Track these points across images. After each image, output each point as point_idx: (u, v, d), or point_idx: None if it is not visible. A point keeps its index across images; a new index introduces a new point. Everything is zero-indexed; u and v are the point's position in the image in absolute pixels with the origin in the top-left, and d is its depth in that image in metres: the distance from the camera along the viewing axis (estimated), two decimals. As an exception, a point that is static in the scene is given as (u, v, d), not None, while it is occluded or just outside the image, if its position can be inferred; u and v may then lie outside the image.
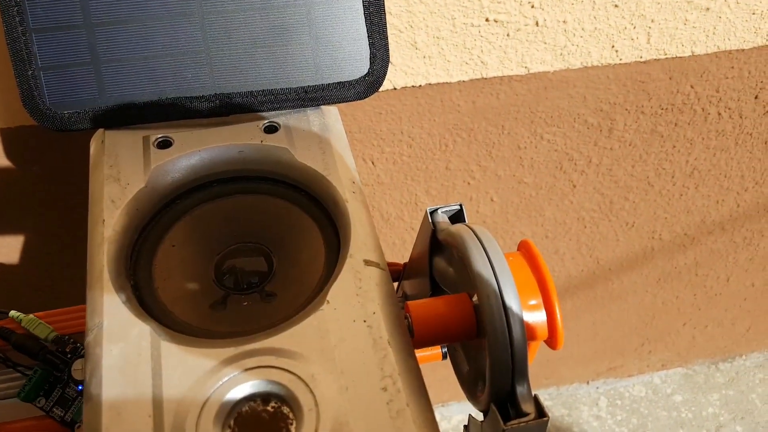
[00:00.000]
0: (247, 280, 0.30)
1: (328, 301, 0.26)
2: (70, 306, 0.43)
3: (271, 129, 0.33)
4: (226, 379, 0.23)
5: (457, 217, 0.32)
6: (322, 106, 0.34)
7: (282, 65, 0.33)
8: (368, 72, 0.34)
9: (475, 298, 0.27)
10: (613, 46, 0.64)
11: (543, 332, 0.25)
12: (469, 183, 0.77)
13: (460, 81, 0.64)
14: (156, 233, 0.30)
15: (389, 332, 0.25)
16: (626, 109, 0.73)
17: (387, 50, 0.34)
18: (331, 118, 0.34)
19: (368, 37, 0.33)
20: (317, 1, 0.33)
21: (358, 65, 0.33)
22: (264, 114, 0.33)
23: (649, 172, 0.80)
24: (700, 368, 1.11)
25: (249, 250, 0.31)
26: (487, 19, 0.59)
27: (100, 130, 0.33)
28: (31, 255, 0.67)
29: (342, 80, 0.33)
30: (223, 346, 0.24)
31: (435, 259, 0.34)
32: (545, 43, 0.63)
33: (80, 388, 0.39)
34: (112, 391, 0.23)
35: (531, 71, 0.65)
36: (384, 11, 0.34)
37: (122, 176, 0.30)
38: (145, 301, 0.27)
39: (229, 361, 0.24)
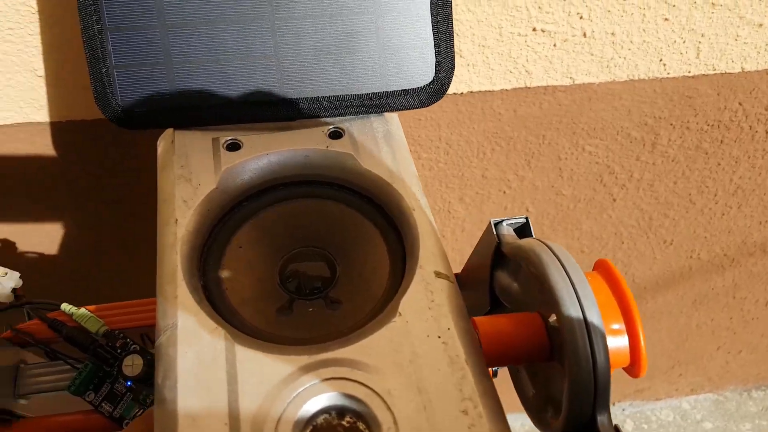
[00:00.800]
0: (311, 285, 0.30)
1: (399, 314, 0.25)
2: (121, 301, 0.43)
3: (336, 135, 0.32)
4: (301, 389, 0.23)
5: (522, 230, 0.32)
6: (385, 113, 0.34)
7: (348, 72, 0.33)
8: (433, 80, 0.33)
9: (552, 319, 0.26)
10: (661, 60, 0.63)
11: (624, 358, 0.25)
12: (504, 192, 0.76)
13: (502, 89, 0.64)
14: (224, 235, 0.30)
15: (465, 350, 0.24)
16: (671, 124, 0.72)
17: (453, 58, 0.33)
18: (393, 125, 0.34)
19: (435, 45, 0.33)
20: (385, 9, 0.33)
21: (423, 73, 0.33)
22: (329, 120, 0.33)
23: (692, 189, 0.78)
24: (732, 395, 1.08)
25: (312, 255, 0.31)
26: (534, 29, 0.58)
27: (170, 130, 0.33)
28: (81, 249, 0.68)
29: (407, 88, 0.33)
30: (297, 354, 0.24)
31: (497, 273, 0.33)
32: (592, 54, 0.62)
33: (129, 384, 0.39)
34: (188, 396, 0.23)
35: (576, 82, 0.64)
36: (452, 19, 0.33)
37: (193, 177, 0.30)
38: (215, 303, 0.27)
39: (305, 369, 0.24)
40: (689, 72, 0.65)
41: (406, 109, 0.33)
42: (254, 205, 0.31)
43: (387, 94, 0.33)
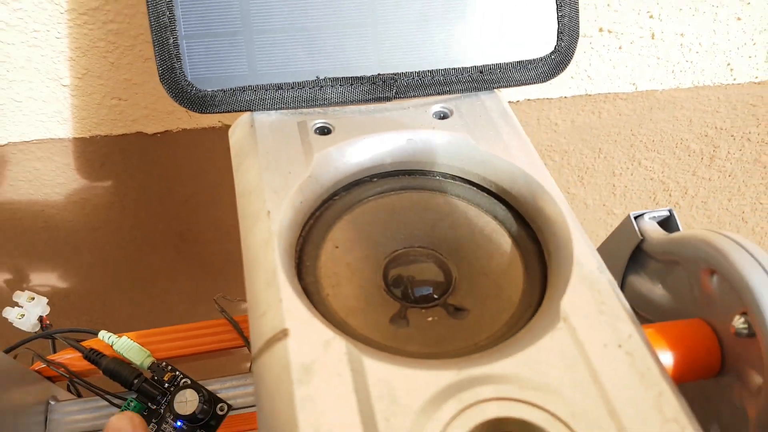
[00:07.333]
0: (424, 291, 0.24)
1: (564, 319, 0.20)
2: (165, 326, 0.38)
3: (443, 115, 0.28)
4: (456, 411, 0.17)
5: (666, 225, 0.27)
6: (496, 90, 0.29)
7: (455, 42, 0.28)
8: (554, 49, 0.29)
9: (740, 325, 0.21)
10: (728, 64, 0.60)
11: None
12: (559, 211, 0.71)
13: (561, 97, 0.60)
14: (318, 232, 0.25)
15: (656, 362, 0.19)
16: (732, 136, 0.68)
17: (577, 23, 0.29)
18: (505, 104, 0.29)
19: (557, 6, 0.28)
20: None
21: (543, 42, 0.29)
22: (432, 98, 0.28)
23: (745, 206, 0.74)
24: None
25: (420, 257, 0.25)
26: (600, 29, 0.55)
27: (247, 114, 0.28)
28: (111, 274, 0.62)
29: (523, 59, 0.28)
30: (442, 368, 0.19)
31: (629, 279, 0.28)
32: (658, 58, 0.58)
33: (179, 425, 0.33)
34: (310, 425, 0.17)
35: (639, 89, 0.60)
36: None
37: (281, 164, 0.25)
38: (319, 311, 0.22)
39: (456, 388, 0.18)
40: (756, 78, 0.61)
41: (523, 84, 0.29)
42: (349, 198, 0.26)
43: (500, 67, 0.28)
